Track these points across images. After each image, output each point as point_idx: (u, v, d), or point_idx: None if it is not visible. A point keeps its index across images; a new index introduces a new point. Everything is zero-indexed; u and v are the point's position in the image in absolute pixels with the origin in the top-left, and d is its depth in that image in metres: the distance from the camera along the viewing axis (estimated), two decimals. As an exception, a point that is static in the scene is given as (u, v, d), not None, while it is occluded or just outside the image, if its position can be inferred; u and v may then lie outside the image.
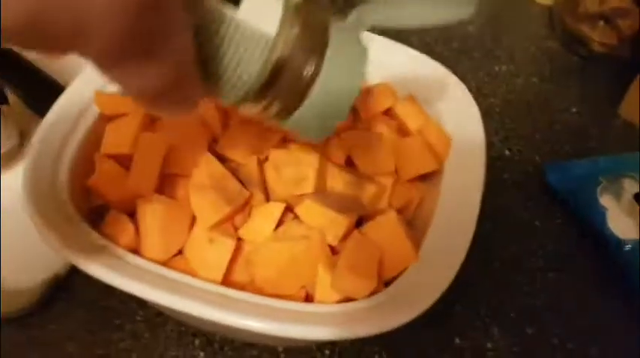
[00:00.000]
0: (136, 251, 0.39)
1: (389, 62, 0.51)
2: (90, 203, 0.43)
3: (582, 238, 0.55)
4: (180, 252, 0.40)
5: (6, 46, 0.20)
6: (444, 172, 0.45)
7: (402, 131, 0.48)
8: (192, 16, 0.26)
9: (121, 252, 0.37)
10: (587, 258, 0.54)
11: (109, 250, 0.37)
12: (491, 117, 0.64)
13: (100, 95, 0.45)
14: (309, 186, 0.41)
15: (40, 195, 0.39)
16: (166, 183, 0.42)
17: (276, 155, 0.42)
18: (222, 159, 0.44)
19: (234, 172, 0.42)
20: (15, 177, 0.49)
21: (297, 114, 0.32)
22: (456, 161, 0.46)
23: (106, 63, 0.23)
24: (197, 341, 0.46)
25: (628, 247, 0.50)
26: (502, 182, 0.59)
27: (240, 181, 0.41)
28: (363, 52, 0.34)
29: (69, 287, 0.48)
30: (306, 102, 0.31)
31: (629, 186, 0.53)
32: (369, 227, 0.41)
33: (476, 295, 0.50)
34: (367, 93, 0.50)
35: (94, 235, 0.38)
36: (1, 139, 0.51)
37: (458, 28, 0.75)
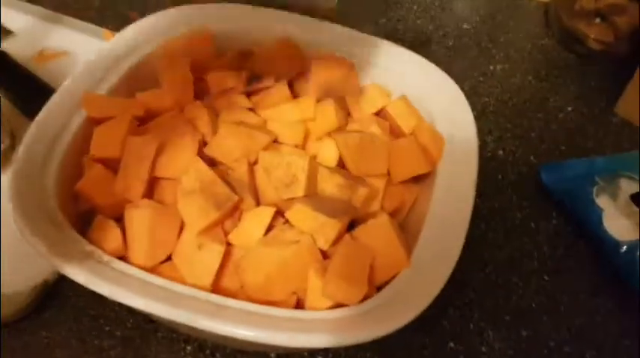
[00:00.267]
0: (123, 257, 0.38)
1: (382, 62, 0.51)
2: (78, 207, 0.42)
3: (578, 239, 0.54)
4: (169, 258, 0.39)
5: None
6: (437, 174, 0.45)
7: (395, 132, 0.48)
8: None
9: (108, 258, 0.37)
10: (583, 260, 0.53)
11: (96, 257, 0.37)
12: (485, 117, 0.64)
13: (88, 97, 0.44)
14: (299, 190, 0.40)
15: (26, 200, 0.38)
16: (155, 187, 0.42)
17: (267, 158, 0.42)
18: (212, 162, 0.43)
19: (224, 175, 0.42)
20: (5, 179, 0.48)
21: None
22: (449, 162, 0.45)
23: None
24: (188, 348, 0.45)
25: (625, 248, 0.50)
26: (496, 182, 0.58)
27: (231, 185, 0.41)
28: None
29: (59, 294, 0.47)
30: None
31: (626, 186, 0.52)
32: (360, 230, 0.40)
33: (470, 298, 0.50)
34: (360, 93, 0.50)
35: (82, 241, 0.37)
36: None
37: (453, 25, 0.74)
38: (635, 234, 0.50)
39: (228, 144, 0.43)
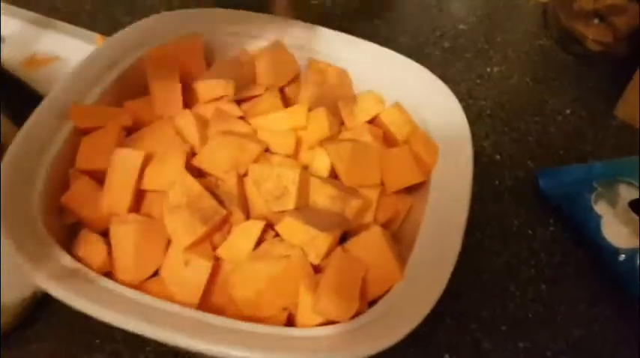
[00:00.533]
0: (109, 273, 0.38)
1: (375, 68, 0.50)
2: (65, 220, 0.41)
3: (576, 246, 0.53)
4: (157, 272, 0.39)
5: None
6: (431, 182, 0.44)
7: (389, 140, 0.47)
8: None
9: (93, 275, 0.36)
10: (581, 267, 0.52)
11: (81, 274, 0.36)
12: (482, 121, 0.63)
13: (75, 108, 0.43)
14: (290, 202, 0.40)
15: (11, 215, 0.37)
16: (142, 200, 0.41)
17: (256, 170, 0.41)
18: (201, 174, 0.42)
19: (213, 187, 0.41)
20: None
21: None
22: (444, 170, 0.44)
23: None
24: (178, 361, 0.45)
25: (623, 256, 0.49)
26: (493, 188, 0.57)
27: (220, 197, 0.40)
28: None
29: (48, 306, 0.46)
30: None
31: (625, 193, 0.51)
32: (353, 243, 0.40)
33: (466, 307, 0.49)
34: (353, 100, 0.49)
35: (66, 258, 0.37)
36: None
37: (449, 25, 0.73)
38: (634, 241, 0.49)
39: (217, 156, 0.42)
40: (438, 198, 0.43)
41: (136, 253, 0.37)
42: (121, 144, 0.42)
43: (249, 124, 0.45)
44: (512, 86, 0.67)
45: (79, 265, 0.36)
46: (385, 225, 0.43)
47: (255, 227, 0.39)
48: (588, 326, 0.49)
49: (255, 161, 0.42)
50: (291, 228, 0.38)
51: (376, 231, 0.39)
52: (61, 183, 0.42)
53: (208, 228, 0.37)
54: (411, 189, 0.45)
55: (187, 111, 0.45)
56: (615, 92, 0.64)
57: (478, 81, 0.66)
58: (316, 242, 0.38)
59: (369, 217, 0.43)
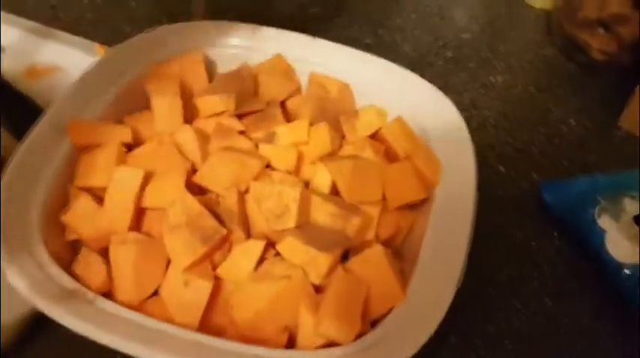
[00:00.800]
0: (109, 292, 0.37)
1: (377, 82, 0.50)
2: (65, 237, 0.41)
3: (580, 259, 0.53)
4: (157, 292, 0.38)
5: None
6: (434, 198, 0.43)
7: (390, 155, 0.46)
8: None
9: (92, 296, 0.36)
10: (584, 281, 0.51)
11: (80, 295, 0.35)
12: (486, 131, 0.62)
13: (74, 125, 0.43)
14: (291, 221, 0.39)
15: (9, 234, 0.37)
16: (143, 218, 0.41)
17: (257, 188, 0.41)
18: (201, 190, 0.42)
19: (214, 205, 0.41)
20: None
21: None
22: (446, 186, 0.44)
23: None
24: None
25: (627, 272, 0.48)
26: (496, 200, 0.57)
27: (220, 216, 0.40)
28: None
29: (48, 325, 0.46)
30: None
31: (630, 207, 0.51)
32: (354, 262, 0.39)
33: (470, 323, 0.48)
34: (355, 114, 0.48)
35: (64, 278, 0.36)
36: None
37: (452, 35, 0.73)
38: (637, 257, 0.48)
39: (218, 172, 0.41)
40: (440, 213, 0.42)
41: (136, 273, 0.37)
42: (121, 160, 0.42)
43: (251, 139, 0.45)
44: (516, 96, 0.66)
45: (77, 285, 0.36)
46: (387, 242, 0.43)
47: (256, 247, 0.38)
48: (592, 340, 0.48)
49: (256, 178, 0.42)
50: (292, 248, 0.38)
51: (378, 251, 0.39)
52: (61, 200, 0.41)
53: (208, 248, 0.37)
54: (413, 205, 0.44)
55: (188, 126, 0.44)
56: (620, 102, 0.63)
57: (482, 90, 0.66)
58: (317, 262, 0.37)
59: (370, 234, 0.42)
